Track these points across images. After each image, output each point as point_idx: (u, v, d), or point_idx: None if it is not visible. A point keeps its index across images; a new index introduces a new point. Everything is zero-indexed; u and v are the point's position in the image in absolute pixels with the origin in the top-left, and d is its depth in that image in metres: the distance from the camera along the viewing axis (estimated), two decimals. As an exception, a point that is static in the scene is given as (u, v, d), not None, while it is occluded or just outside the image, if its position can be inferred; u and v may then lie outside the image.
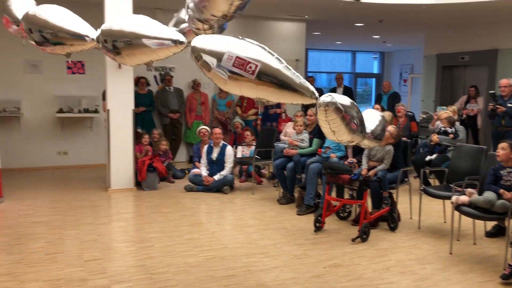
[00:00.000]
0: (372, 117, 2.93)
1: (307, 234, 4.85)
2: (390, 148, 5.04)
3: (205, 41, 2.69)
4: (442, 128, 6.52)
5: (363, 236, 4.63)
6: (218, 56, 2.55)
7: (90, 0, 6.76)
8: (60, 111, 8.10)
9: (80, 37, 3.06)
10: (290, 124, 7.58)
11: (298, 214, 5.56)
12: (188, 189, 6.72)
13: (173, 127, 8.80)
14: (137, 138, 7.17)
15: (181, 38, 2.82)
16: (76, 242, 4.50)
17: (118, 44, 2.82)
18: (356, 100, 11.47)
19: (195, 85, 8.87)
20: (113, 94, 6.57)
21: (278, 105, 8.98)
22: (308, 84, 2.51)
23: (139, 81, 8.24)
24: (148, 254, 4.23)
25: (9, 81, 7.71)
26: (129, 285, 3.58)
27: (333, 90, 9.74)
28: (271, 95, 2.53)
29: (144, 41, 2.75)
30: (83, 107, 8.22)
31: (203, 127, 7.41)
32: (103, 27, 2.94)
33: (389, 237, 4.81)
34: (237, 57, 2.48)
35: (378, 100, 9.32)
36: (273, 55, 2.52)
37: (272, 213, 5.63)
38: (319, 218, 4.94)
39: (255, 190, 6.81)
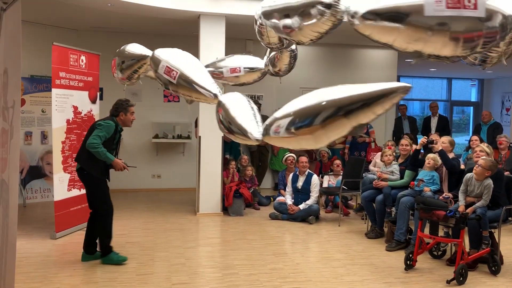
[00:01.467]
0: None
1: (397, 272, 4.59)
2: (489, 182, 4.64)
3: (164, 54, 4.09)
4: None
5: (460, 279, 4.27)
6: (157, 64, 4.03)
7: (187, 33, 7.16)
8: (156, 136, 8.59)
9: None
10: (379, 154, 7.34)
11: (387, 250, 5.29)
12: (273, 217, 6.72)
13: (259, 154, 8.92)
14: (225, 164, 7.35)
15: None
16: (165, 265, 4.66)
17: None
18: (452, 129, 10.85)
19: (283, 113, 8.94)
20: (205, 121, 6.83)
21: (367, 134, 8.75)
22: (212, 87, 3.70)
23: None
24: (232, 281, 4.26)
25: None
26: (213, 312, 3.61)
27: (427, 119, 9.29)
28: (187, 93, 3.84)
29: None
30: (177, 133, 8.65)
31: (290, 155, 7.41)
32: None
33: (490, 281, 4.39)
34: (167, 66, 3.92)
35: (476, 131, 8.71)
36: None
37: (360, 247, 5.42)
38: (411, 255, 4.65)
39: (342, 222, 6.62)
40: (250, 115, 3.17)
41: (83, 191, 5.98)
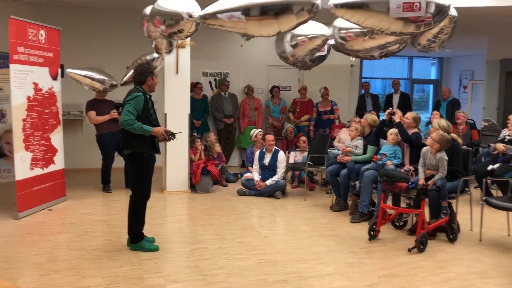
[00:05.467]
0: None
1: (361, 242, 4.75)
2: (441, 155, 4.82)
3: None
4: (507, 137, 6.18)
5: (420, 247, 4.47)
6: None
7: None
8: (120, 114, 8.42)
9: None
10: (344, 130, 7.50)
11: (351, 222, 5.46)
12: (240, 193, 6.79)
13: (227, 131, 8.93)
14: (192, 142, 7.33)
15: None
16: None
17: None
18: (412, 106, 11.15)
19: (249, 90, 8.96)
20: (170, 99, 6.77)
21: (332, 111, 8.89)
22: None
23: (195, 87, 8.43)
24: (201, 255, 4.31)
25: (73, 85, 8.10)
26: (183, 285, 3.65)
27: (389, 96, 9.52)
28: None
29: None
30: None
31: (260, 131, 7.45)
32: None
33: (448, 248, 4.62)
34: None
35: (436, 107, 8.99)
36: None
37: (325, 220, 5.57)
38: (374, 226, 4.83)
39: (308, 196, 6.76)
40: None
41: (47, 169, 5.89)
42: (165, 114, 6.78)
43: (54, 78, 6.06)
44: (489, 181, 6.07)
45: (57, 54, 6.12)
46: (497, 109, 10.02)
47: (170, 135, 4.33)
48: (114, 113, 6.59)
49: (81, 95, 7.98)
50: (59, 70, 6.22)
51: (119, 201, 6.28)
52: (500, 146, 6.12)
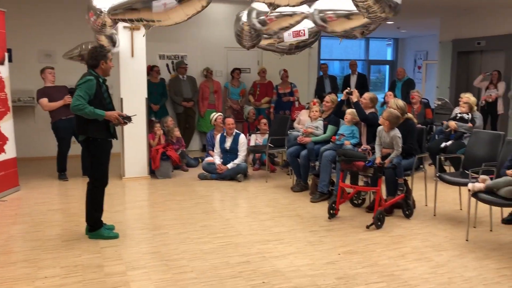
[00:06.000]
0: None
1: (321, 221, 4.84)
2: (394, 133, 4.95)
3: None
4: (459, 115, 6.40)
5: (378, 223, 4.60)
6: None
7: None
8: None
9: None
10: (304, 112, 7.55)
11: (312, 201, 5.54)
12: (202, 177, 6.75)
13: (186, 115, 8.82)
14: (150, 127, 7.20)
15: None
16: (92, 229, 4.54)
17: None
18: (369, 87, 11.37)
19: (208, 73, 8.85)
20: (126, 83, 6.60)
21: (291, 93, 8.94)
22: None
23: (152, 70, 8.25)
24: (163, 241, 4.26)
25: (23, 70, 7.76)
26: (144, 271, 3.61)
27: (347, 78, 9.65)
28: None
29: None
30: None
31: (219, 114, 7.39)
32: None
33: (404, 224, 4.78)
34: None
35: (392, 87, 9.21)
36: None
37: (286, 201, 5.63)
38: (333, 205, 4.92)
39: (269, 178, 6.80)
40: None
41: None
42: (121, 99, 6.60)
43: (1, 62, 5.77)
44: (442, 158, 6.28)
45: (3, 37, 5.82)
46: (450, 88, 10.36)
47: (125, 119, 4.23)
48: (68, 99, 6.36)
49: (31, 81, 7.67)
50: (6, 54, 5.92)
51: (77, 189, 6.11)
52: (452, 124, 6.34)
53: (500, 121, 8.75)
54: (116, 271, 3.61)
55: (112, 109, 4.29)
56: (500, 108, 8.56)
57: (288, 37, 5.20)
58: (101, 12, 4.89)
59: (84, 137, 4.20)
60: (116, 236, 4.31)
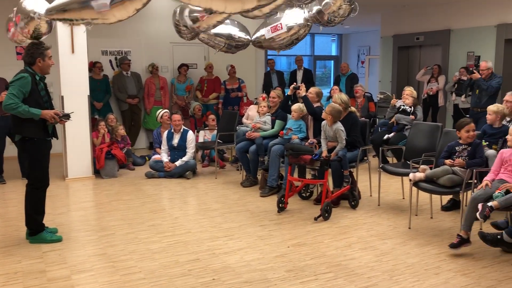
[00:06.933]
0: None
1: (270, 215, 4.88)
2: (337, 126, 5.07)
3: None
4: (402, 106, 6.63)
5: (325, 215, 4.70)
6: None
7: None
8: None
9: None
10: (252, 107, 7.57)
11: (261, 196, 5.58)
12: (149, 176, 6.61)
13: (131, 113, 8.61)
14: (94, 125, 6.97)
15: None
16: (33, 234, 4.34)
17: None
18: (315, 82, 11.57)
19: (153, 69, 8.68)
20: (66, 80, 6.34)
21: (239, 89, 8.94)
22: None
23: (94, 66, 7.98)
24: (109, 242, 4.14)
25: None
26: (91, 274, 3.49)
27: (294, 73, 9.77)
28: None
29: None
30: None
31: (165, 111, 7.26)
32: None
33: (350, 214, 4.91)
34: None
35: (336, 82, 9.42)
36: None
37: (236, 196, 5.63)
38: (282, 199, 4.98)
39: (218, 174, 6.78)
40: None
41: None
42: (62, 97, 6.34)
43: None
44: (385, 149, 6.51)
45: None
46: (391, 82, 10.74)
47: (62, 117, 4.06)
48: (5, 95, 5.99)
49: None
50: None
51: (15, 192, 5.81)
52: (394, 101, 6.61)
53: (439, 113, 9.18)
54: (60, 276, 3.47)
55: (50, 107, 4.10)
56: (441, 101, 8.98)
57: (268, 34, 5.15)
58: (35, 13, 4.30)
59: (20, 137, 3.99)
60: (59, 239, 4.15)
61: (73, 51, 6.33)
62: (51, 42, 5.67)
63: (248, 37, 5.56)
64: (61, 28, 6.19)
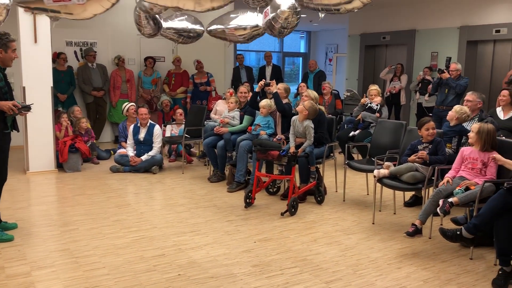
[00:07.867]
0: None
1: (237, 210, 4.88)
2: (307, 123, 5.12)
3: None
4: (369, 104, 6.75)
5: (292, 210, 4.74)
6: None
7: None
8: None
9: None
10: (220, 102, 7.53)
11: (228, 191, 5.57)
12: (114, 170, 6.49)
13: (96, 105, 8.42)
14: (57, 117, 6.78)
15: None
16: (-9, 229, 4.19)
17: None
18: (284, 78, 11.62)
19: (120, 61, 8.51)
20: (28, 71, 6.13)
21: (208, 83, 8.88)
22: None
23: (58, 57, 7.76)
24: (72, 237, 4.05)
25: None
26: (52, 270, 3.40)
27: (263, 68, 9.78)
28: None
29: None
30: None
31: (132, 105, 7.14)
32: None
33: (316, 210, 4.97)
34: None
35: (304, 79, 9.50)
36: None
37: (203, 192, 5.60)
38: (250, 194, 4.99)
39: (185, 169, 6.72)
40: None
41: None
42: (23, 88, 6.13)
43: None
44: (351, 146, 6.61)
45: None
46: (358, 80, 10.92)
47: (22, 109, 3.93)
48: None
49: None
50: None
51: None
52: (364, 100, 6.72)
53: (402, 111, 9.40)
54: (19, 272, 3.36)
55: (10, 99, 3.96)
56: (403, 99, 9.20)
57: (262, 20, 5.14)
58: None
59: None
60: (10, 239, 3.98)
61: (36, 41, 6.13)
62: (12, 31, 5.48)
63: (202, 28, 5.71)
64: (23, 17, 5.98)
